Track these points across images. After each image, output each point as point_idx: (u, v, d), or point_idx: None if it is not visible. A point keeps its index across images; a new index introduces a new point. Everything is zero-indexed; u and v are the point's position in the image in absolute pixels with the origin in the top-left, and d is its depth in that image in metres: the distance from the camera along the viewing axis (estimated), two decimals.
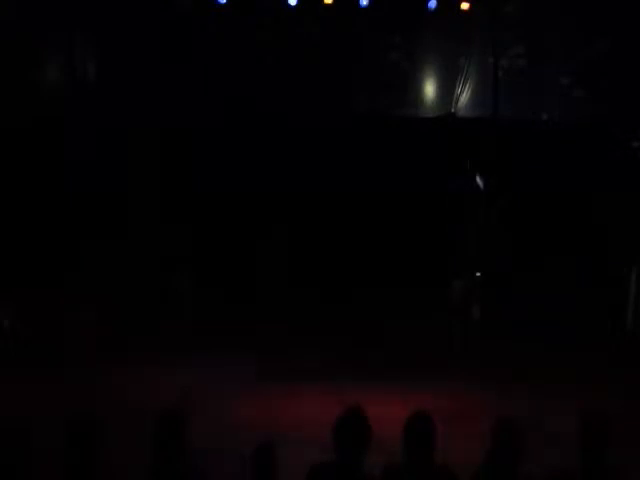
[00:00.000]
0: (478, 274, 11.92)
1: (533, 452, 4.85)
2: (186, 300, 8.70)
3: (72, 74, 11.01)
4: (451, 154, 11.45)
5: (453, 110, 11.30)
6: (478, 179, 11.68)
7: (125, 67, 10.75)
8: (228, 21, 10.81)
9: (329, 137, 11.39)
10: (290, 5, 10.75)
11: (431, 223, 11.70)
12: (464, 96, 11.24)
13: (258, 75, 10.83)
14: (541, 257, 11.09)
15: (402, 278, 11.33)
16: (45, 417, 6.15)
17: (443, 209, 11.58)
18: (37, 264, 10.53)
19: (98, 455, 4.12)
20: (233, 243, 11.41)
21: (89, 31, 10.88)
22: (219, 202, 11.43)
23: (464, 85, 11.20)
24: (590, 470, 4.08)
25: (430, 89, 11.47)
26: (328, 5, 10.73)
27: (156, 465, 4.09)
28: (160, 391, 8.33)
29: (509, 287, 11.15)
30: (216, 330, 10.60)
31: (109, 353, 9.79)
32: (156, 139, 10.79)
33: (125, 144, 10.80)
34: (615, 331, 11.16)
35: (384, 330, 10.73)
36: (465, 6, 10.73)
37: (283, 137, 11.40)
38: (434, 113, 11.43)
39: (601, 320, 11.08)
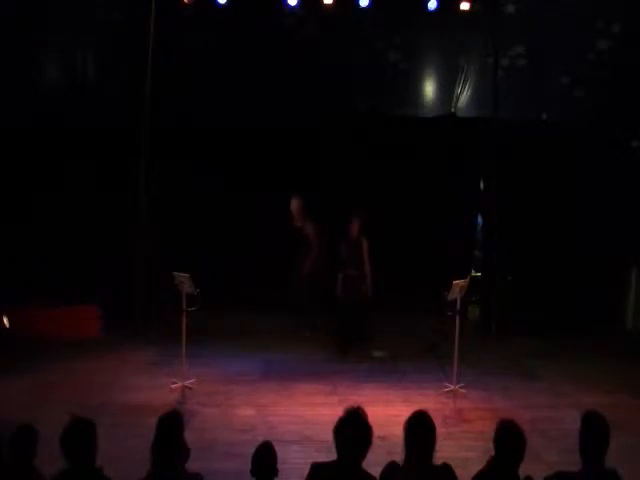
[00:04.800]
0: (478, 274, 11.97)
1: (534, 452, 4.86)
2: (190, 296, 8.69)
3: (72, 74, 11.02)
4: (451, 154, 11.48)
5: (453, 110, 11.29)
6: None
7: (125, 67, 10.75)
8: (228, 21, 10.80)
9: (329, 137, 11.41)
10: (290, 5, 10.75)
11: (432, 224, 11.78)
12: (464, 96, 11.22)
13: (258, 75, 10.81)
14: (541, 257, 11.08)
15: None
16: (42, 413, 6.18)
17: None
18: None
19: (96, 453, 4.14)
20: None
21: (89, 31, 10.86)
22: (219, 204, 11.47)
23: (464, 85, 11.18)
24: (590, 470, 4.08)
25: (430, 89, 11.45)
26: (328, 5, 10.73)
27: (156, 465, 4.09)
28: (158, 390, 8.35)
29: (509, 286, 11.16)
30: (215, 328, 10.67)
31: (108, 351, 9.84)
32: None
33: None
34: (615, 331, 11.17)
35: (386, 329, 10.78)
36: (465, 6, 10.72)
37: (283, 137, 11.42)
38: (434, 113, 11.42)
39: (601, 320, 11.09)
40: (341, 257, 10.11)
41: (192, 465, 4.28)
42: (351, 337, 10.10)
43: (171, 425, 4.20)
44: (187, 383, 8.44)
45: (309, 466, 4.15)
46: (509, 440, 4.07)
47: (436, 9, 10.72)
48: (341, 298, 10.11)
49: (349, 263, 10.04)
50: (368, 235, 10.18)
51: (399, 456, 4.10)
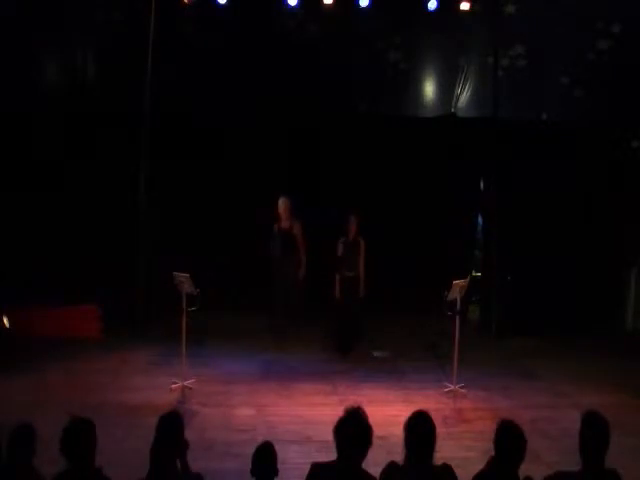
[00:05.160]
0: (478, 274, 11.97)
1: (534, 452, 4.85)
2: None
3: (72, 74, 11.02)
4: (451, 154, 11.47)
5: (453, 110, 11.30)
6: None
7: (125, 67, 10.75)
8: (228, 21, 10.80)
9: (329, 137, 11.41)
10: (290, 5, 10.74)
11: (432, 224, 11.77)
12: (464, 96, 11.23)
13: (258, 75, 10.81)
14: (541, 257, 11.08)
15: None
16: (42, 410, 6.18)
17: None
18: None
19: (95, 453, 4.13)
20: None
21: (89, 31, 10.87)
22: (219, 204, 11.46)
23: (464, 85, 11.19)
24: (590, 470, 4.08)
25: (430, 89, 11.46)
26: (328, 5, 10.73)
27: (156, 465, 4.09)
28: (158, 390, 8.35)
29: (509, 286, 11.15)
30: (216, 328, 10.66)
31: (108, 351, 9.84)
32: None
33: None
34: (615, 331, 11.18)
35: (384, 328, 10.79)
36: (465, 6, 10.72)
37: (283, 137, 11.43)
38: (434, 113, 11.42)
39: (601, 320, 11.09)
40: (338, 257, 10.09)
41: (192, 465, 4.28)
42: (350, 337, 10.09)
43: (171, 425, 4.20)
44: (187, 383, 8.44)
45: (309, 466, 4.15)
46: (509, 440, 4.06)
47: (436, 9, 10.72)
48: (338, 299, 10.10)
49: (346, 264, 10.02)
50: (368, 235, 10.18)
51: (399, 456, 4.09)
